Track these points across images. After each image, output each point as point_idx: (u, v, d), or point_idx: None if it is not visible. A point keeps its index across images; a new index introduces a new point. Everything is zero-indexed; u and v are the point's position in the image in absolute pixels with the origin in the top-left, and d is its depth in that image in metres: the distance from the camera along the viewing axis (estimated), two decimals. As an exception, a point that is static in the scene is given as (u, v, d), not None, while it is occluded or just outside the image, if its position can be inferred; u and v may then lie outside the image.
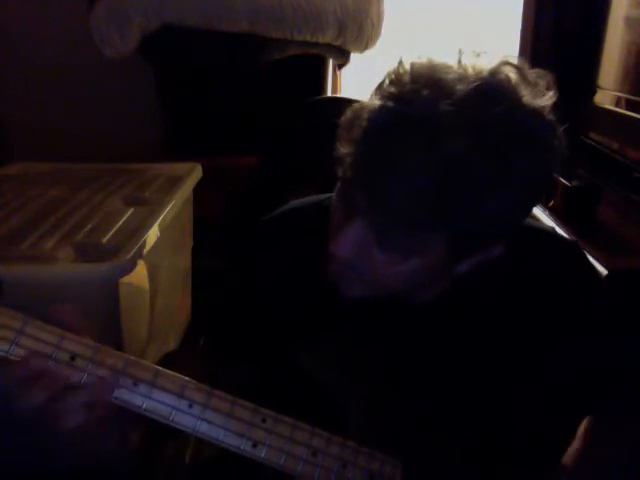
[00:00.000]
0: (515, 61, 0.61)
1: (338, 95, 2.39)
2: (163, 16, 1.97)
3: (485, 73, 0.59)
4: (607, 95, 1.56)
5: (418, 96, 0.57)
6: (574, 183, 1.24)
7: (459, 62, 0.60)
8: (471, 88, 0.57)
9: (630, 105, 1.44)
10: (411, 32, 2.25)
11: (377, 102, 0.60)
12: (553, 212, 1.26)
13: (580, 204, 1.25)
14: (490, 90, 0.58)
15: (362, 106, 0.62)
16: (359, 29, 2.12)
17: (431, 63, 0.60)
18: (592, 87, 1.61)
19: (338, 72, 2.44)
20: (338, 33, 2.10)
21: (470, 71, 0.59)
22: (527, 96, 0.59)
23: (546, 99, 0.60)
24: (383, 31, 2.19)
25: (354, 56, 2.28)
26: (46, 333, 0.59)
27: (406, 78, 0.59)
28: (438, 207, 0.57)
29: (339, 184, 0.65)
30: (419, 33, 2.21)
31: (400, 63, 0.61)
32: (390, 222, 0.59)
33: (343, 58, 2.28)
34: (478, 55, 0.60)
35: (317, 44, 2.12)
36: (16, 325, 0.58)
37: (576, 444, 0.75)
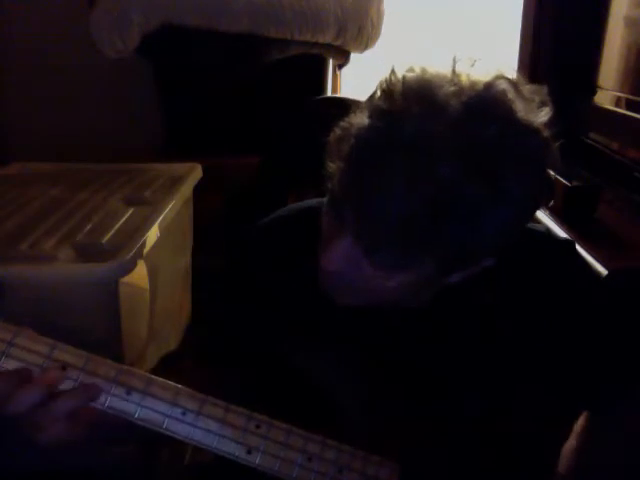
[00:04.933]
0: (511, 74, 0.60)
1: (338, 95, 2.39)
2: (163, 16, 1.97)
3: (480, 86, 0.57)
4: (607, 95, 1.56)
5: (409, 115, 0.56)
6: (574, 183, 1.24)
7: (453, 71, 0.58)
8: (464, 105, 0.56)
9: (630, 105, 1.44)
10: (411, 32, 2.25)
11: (367, 119, 0.59)
12: (553, 212, 1.26)
13: (580, 204, 1.25)
14: (484, 107, 0.56)
15: (351, 123, 0.61)
16: (359, 29, 2.12)
17: (424, 75, 0.58)
18: (592, 87, 1.61)
19: (338, 72, 2.44)
20: (338, 33, 2.10)
21: (464, 82, 0.57)
22: (522, 112, 0.58)
23: (541, 115, 0.59)
24: (383, 31, 2.19)
25: (354, 56, 2.28)
26: (37, 344, 0.59)
27: (397, 92, 0.58)
28: (429, 230, 0.56)
29: (328, 197, 0.64)
30: (419, 33, 2.21)
31: (392, 72, 0.60)
32: (378, 242, 0.59)
33: (343, 58, 2.28)
34: (473, 64, 0.59)
35: (317, 44, 2.12)
36: (7, 336, 0.58)
37: (572, 443, 0.75)
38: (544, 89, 0.61)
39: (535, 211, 0.66)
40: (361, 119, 0.60)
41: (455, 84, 0.57)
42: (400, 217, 0.56)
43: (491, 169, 0.55)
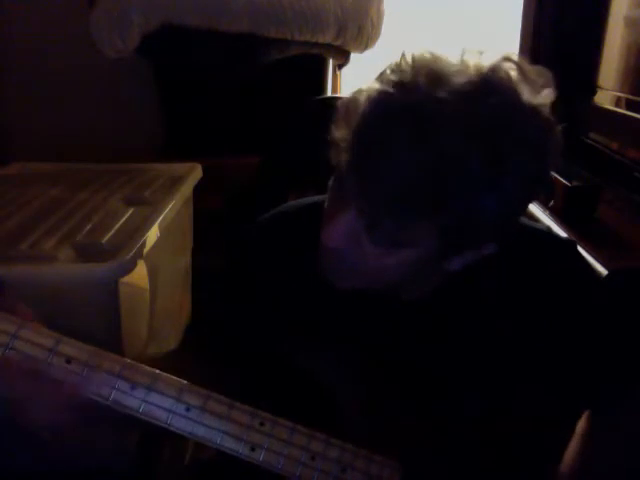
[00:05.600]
0: (516, 58, 0.61)
1: (338, 95, 2.39)
2: (163, 16, 1.96)
3: (485, 69, 0.58)
4: (607, 95, 1.56)
5: (416, 84, 0.57)
6: (574, 183, 1.24)
7: (461, 59, 0.59)
8: (470, 81, 0.57)
9: (630, 105, 1.44)
10: (411, 32, 2.25)
11: (376, 88, 0.60)
12: (553, 212, 1.26)
13: (580, 204, 1.25)
14: (488, 85, 0.57)
15: (360, 91, 0.62)
16: (359, 29, 2.11)
17: (433, 56, 0.60)
18: (592, 87, 1.61)
19: (338, 72, 2.43)
20: (338, 33, 2.10)
21: (471, 67, 0.58)
22: (526, 94, 0.59)
23: (544, 97, 0.60)
24: (383, 31, 2.19)
25: (354, 56, 2.28)
26: (42, 337, 0.59)
27: (407, 67, 0.59)
28: (429, 198, 0.57)
29: (335, 170, 0.64)
30: (419, 33, 2.21)
31: (403, 55, 0.61)
32: (380, 210, 0.59)
33: (343, 58, 2.28)
34: (481, 53, 0.60)
35: (317, 44, 2.12)
36: (11, 329, 0.58)
37: (573, 445, 0.75)
38: (548, 71, 0.62)
39: (536, 194, 0.66)
40: (371, 88, 0.61)
41: (462, 66, 0.58)
42: (400, 184, 0.56)
43: (493, 143, 0.56)
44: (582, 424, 0.76)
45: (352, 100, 0.62)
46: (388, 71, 0.61)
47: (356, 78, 2.40)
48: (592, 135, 1.59)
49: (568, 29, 1.64)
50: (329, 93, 2.37)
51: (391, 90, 0.58)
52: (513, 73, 0.59)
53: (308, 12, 2.01)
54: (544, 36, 1.68)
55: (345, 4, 2.07)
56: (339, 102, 0.64)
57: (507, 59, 0.60)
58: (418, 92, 0.57)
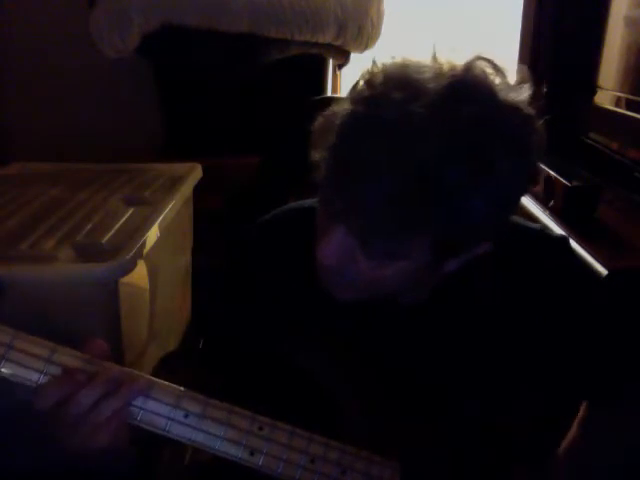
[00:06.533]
0: (488, 55, 0.60)
1: (338, 95, 2.39)
2: (163, 16, 1.96)
3: (459, 69, 0.58)
4: (607, 95, 1.56)
5: (388, 99, 0.56)
6: (574, 183, 1.24)
7: (434, 59, 0.59)
8: (444, 87, 0.56)
9: (630, 105, 1.44)
10: (411, 32, 2.25)
11: (348, 107, 0.59)
12: (553, 212, 1.26)
13: (580, 204, 1.25)
14: (464, 88, 0.57)
15: (334, 111, 0.61)
16: (359, 29, 2.12)
17: (404, 63, 0.59)
18: (592, 87, 1.61)
19: (338, 72, 2.44)
20: (338, 33, 2.10)
21: (445, 68, 0.58)
22: (503, 91, 0.58)
23: (522, 92, 0.59)
24: (383, 31, 2.19)
25: (354, 56, 2.28)
26: (36, 347, 0.58)
27: (378, 80, 0.58)
28: (415, 212, 0.56)
29: (319, 189, 0.64)
30: (419, 33, 2.21)
31: (374, 64, 0.60)
32: (368, 228, 0.59)
33: (343, 58, 2.28)
34: (454, 50, 0.59)
35: (317, 44, 2.12)
36: (5, 339, 0.58)
37: (571, 434, 0.75)
38: (524, 68, 0.61)
39: (524, 190, 0.65)
40: (343, 108, 0.60)
41: (435, 69, 0.57)
42: (382, 200, 0.56)
43: (472, 149, 0.55)
44: (577, 420, 0.76)
45: (326, 122, 0.61)
46: (360, 84, 0.60)
47: (356, 78, 2.40)
48: (592, 135, 1.59)
49: (568, 29, 1.64)
50: (329, 93, 2.37)
51: (362, 109, 0.58)
52: (488, 71, 0.59)
53: (308, 12, 2.01)
54: (544, 36, 1.68)
55: (345, 4, 2.07)
56: (315, 124, 0.63)
57: (480, 58, 0.59)
58: (390, 108, 0.56)
